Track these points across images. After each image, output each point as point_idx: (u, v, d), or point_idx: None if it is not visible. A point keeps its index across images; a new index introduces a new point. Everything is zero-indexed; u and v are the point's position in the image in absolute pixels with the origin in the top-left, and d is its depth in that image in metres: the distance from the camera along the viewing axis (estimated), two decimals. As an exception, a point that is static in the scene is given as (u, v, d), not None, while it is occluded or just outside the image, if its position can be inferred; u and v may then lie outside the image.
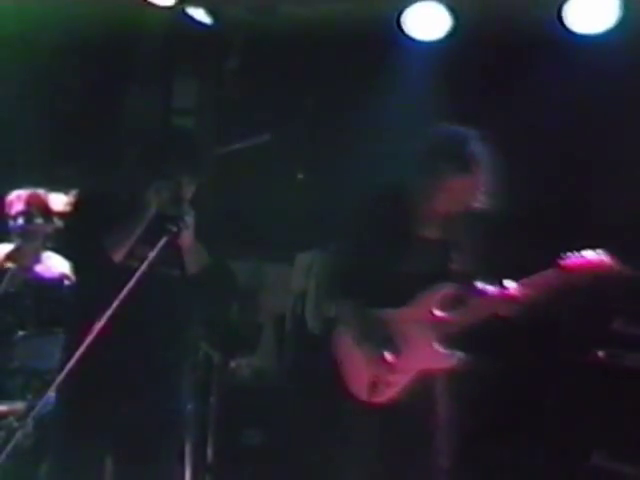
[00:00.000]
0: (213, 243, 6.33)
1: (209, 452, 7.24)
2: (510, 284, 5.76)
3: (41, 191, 7.19)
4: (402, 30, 7.62)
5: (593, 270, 5.75)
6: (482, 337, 5.83)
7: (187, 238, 6.02)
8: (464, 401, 6.06)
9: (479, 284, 5.88)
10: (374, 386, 5.77)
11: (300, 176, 8.79)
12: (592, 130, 7.59)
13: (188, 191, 6.11)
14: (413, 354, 5.81)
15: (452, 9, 7.53)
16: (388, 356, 5.76)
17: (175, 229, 5.70)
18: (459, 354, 5.82)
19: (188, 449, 6.91)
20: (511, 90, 7.57)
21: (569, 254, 5.75)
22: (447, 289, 5.86)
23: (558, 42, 7.18)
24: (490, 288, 5.83)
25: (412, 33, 7.63)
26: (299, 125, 8.28)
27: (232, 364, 7.92)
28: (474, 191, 5.87)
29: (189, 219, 6.04)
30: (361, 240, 5.94)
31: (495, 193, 5.87)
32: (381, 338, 5.80)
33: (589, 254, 5.76)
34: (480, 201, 5.89)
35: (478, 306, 5.82)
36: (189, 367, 6.58)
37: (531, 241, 7.15)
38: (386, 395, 5.80)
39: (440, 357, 5.85)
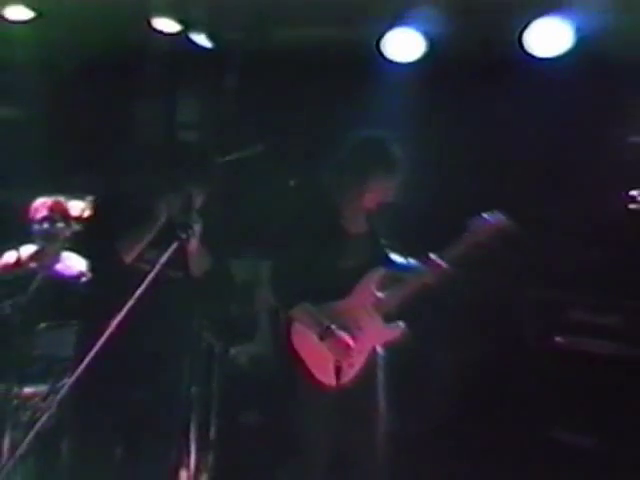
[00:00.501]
0: (216, 248, 6.46)
1: (211, 430, 7.23)
2: (433, 256, 5.96)
3: (61, 199, 7.23)
4: (381, 53, 7.59)
5: (494, 229, 5.98)
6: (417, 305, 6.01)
7: (194, 244, 6.18)
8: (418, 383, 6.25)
9: (405, 261, 6.11)
10: (339, 370, 5.86)
11: (292, 183, 8.77)
12: (547, 136, 7.67)
13: (197, 202, 6.27)
14: (366, 335, 5.95)
15: (426, 34, 7.47)
16: (348, 340, 5.84)
17: (185, 236, 5.81)
18: (401, 325, 6.00)
19: (192, 428, 6.86)
20: (478, 106, 7.62)
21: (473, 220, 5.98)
22: (380, 272, 6.03)
23: (519, 64, 7.19)
24: (415, 262, 6.06)
25: (390, 55, 7.60)
26: (290, 138, 8.33)
27: (231, 352, 7.92)
28: (393, 188, 6.05)
29: (197, 227, 6.19)
30: (299, 245, 6.00)
31: (405, 188, 6.06)
32: (337, 327, 5.85)
33: (489, 216, 5.99)
34: (394, 195, 6.08)
35: (409, 280, 6.02)
36: (193, 355, 6.63)
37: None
38: (349, 376, 5.91)
39: (388, 332, 6.03)
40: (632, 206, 7.49)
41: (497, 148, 7.67)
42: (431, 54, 7.55)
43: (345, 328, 5.88)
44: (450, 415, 6.87)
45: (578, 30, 6.94)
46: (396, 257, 6.13)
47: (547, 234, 7.04)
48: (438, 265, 5.95)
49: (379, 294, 6.04)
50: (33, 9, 7.85)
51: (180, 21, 7.94)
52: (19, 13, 7.88)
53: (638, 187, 7.26)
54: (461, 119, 7.52)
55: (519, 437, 7.31)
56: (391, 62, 7.62)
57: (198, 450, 6.92)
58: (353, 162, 6.09)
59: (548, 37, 7.03)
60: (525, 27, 7.08)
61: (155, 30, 7.95)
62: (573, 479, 7.00)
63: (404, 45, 7.56)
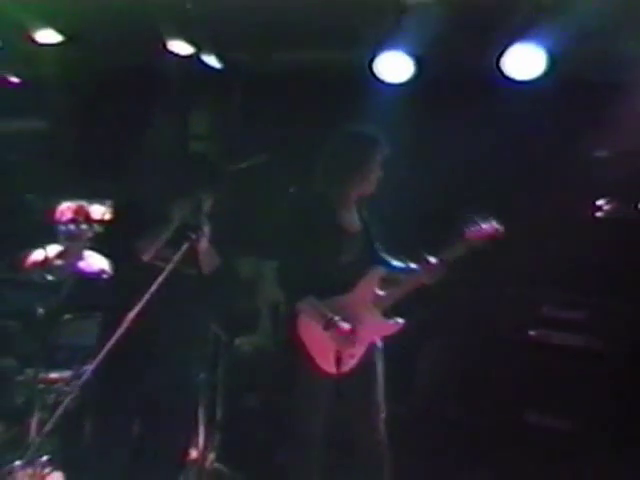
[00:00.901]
0: (224, 248, 6.58)
1: (218, 412, 7.20)
2: (431, 258, 5.97)
3: (84, 203, 7.24)
4: (373, 74, 7.57)
5: (488, 236, 6.02)
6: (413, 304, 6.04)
7: (204, 244, 6.31)
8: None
9: (403, 264, 6.13)
10: (340, 359, 5.88)
11: (292, 190, 8.92)
12: (523, 149, 7.73)
13: (206, 206, 6.38)
14: (366, 328, 5.97)
15: (415, 57, 7.45)
16: (349, 330, 5.85)
17: (195, 237, 5.92)
18: (400, 320, 6.04)
19: (201, 409, 6.91)
20: (461, 123, 7.66)
21: (469, 226, 5.98)
22: (379, 272, 6.07)
23: (498, 85, 7.20)
24: (413, 265, 6.06)
25: (382, 76, 7.58)
26: (290, 148, 8.22)
27: (236, 342, 7.87)
28: (377, 180, 6.11)
29: (206, 228, 6.30)
30: (302, 244, 5.99)
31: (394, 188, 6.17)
32: (339, 319, 5.86)
33: (484, 224, 6.01)
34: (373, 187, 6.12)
35: (406, 280, 6.06)
36: (201, 344, 6.79)
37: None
38: (349, 365, 5.96)
39: (386, 326, 6.07)
40: (598, 214, 7.56)
41: (479, 160, 7.66)
42: (419, 75, 7.53)
43: (347, 321, 5.87)
44: (434, 399, 6.92)
45: (550, 55, 6.92)
46: (389, 255, 6.16)
47: (523, 238, 7.09)
48: (434, 266, 5.97)
49: (379, 292, 6.06)
50: (62, 32, 7.89)
51: (192, 44, 7.95)
52: (49, 36, 7.91)
53: (604, 197, 7.34)
54: (446, 134, 7.57)
55: (496, 419, 7.38)
56: (382, 82, 7.59)
57: (206, 430, 6.95)
58: (340, 156, 6.13)
59: (524, 61, 7.02)
60: (503, 52, 7.05)
61: (170, 52, 7.97)
62: (544, 457, 7.07)
63: (394, 67, 7.53)
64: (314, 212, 6.07)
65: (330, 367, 5.93)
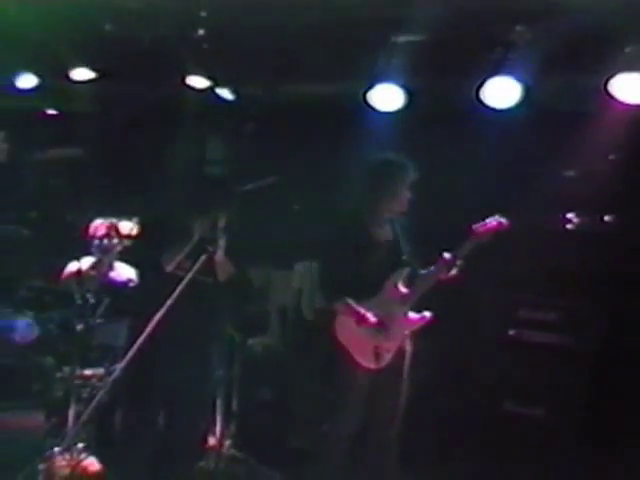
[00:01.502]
0: (238, 259, 6.62)
1: (233, 404, 7.19)
2: (446, 254, 6.03)
3: (114, 220, 7.18)
4: (368, 103, 7.50)
5: (494, 229, 6.09)
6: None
7: (220, 255, 6.36)
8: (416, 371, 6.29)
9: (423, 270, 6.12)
10: (378, 354, 5.94)
11: (296, 207, 8.91)
12: (501, 170, 7.65)
13: (221, 222, 6.45)
14: (398, 324, 6.02)
15: (406, 89, 7.41)
16: (380, 322, 5.91)
17: (212, 249, 6.03)
18: (427, 314, 6.07)
19: (218, 403, 6.94)
20: (446, 146, 7.64)
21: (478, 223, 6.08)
22: (402, 272, 6.10)
23: (478, 113, 7.16)
24: (431, 268, 6.07)
25: (375, 105, 7.51)
26: (296, 171, 8.28)
27: (249, 342, 7.83)
28: (407, 199, 6.17)
29: (222, 242, 6.36)
30: (339, 251, 6.07)
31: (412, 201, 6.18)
32: (372, 315, 5.92)
33: (490, 219, 6.11)
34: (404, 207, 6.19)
35: (427, 277, 6.09)
36: (218, 344, 6.82)
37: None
38: (386, 360, 5.98)
39: (415, 319, 6.08)
40: (568, 226, 7.59)
41: (463, 178, 7.64)
42: (409, 104, 7.50)
43: (379, 318, 5.94)
44: (425, 391, 6.93)
45: (525, 87, 6.89)
46: (413, 258, 6.18)
47: (502, 248, 7.06)
48: (449, 261, 6.01)
49: (404, 290, 6.09)
50: (94, 70, 7.94)
51: (208, 78, 7.98)
52: (83, 74, 7.94)
53: (573, 211, 7.37)
54: (434, 156, 7.51)
55: (479, 408, 7.39)
56: (376, 111, 7.55)
57: (223, 420, 6.97)
58: (372, 178, 6.19)
59: (501, 92, 6.97)
60: (482, 84, 7.00)
61: (188, 86, 8.01)
62: (521, 441, 7.09)
63: (386, 97, 7.48)
64: (350, 227, 6.15)
65: (368, 362, 5.95)
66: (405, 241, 6.20)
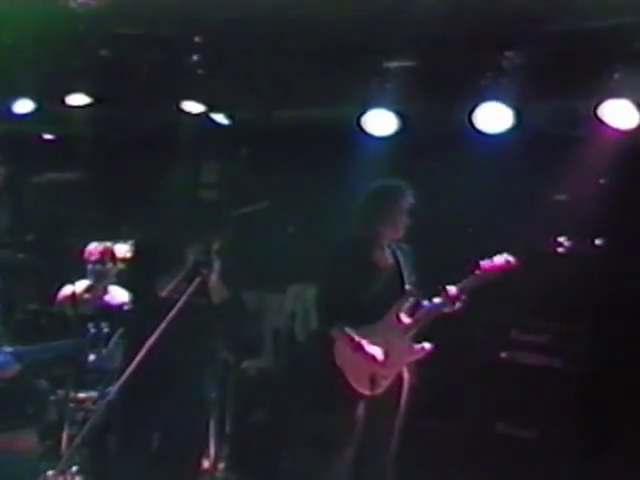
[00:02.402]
0: (231, 282, 6.63)
1: (227, 427, 7.22)
2: (450, 288, 5.97)
3: (109, 244, 7.32)
4: (362, 128, 7.52)
5: (502, 269, 6.05)
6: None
7: (214, 278, 6.37)
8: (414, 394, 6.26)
9: (426, 301, 6.03)
10: (374, 381, 5.85)
11: (290, 230, 8.90)
12: (493, 194, 7.65)
13: (216, 245, 6.45)
14: (397, 353, 5.93)
15: (399, 114, 7.44)
16: (379, 355, 5.85)
17: (206, 272, 6.05)
18: (427, 345, 5.98)
19: (212, 425, 6.98)
20: (439, 170, 7.61)
21: (484, 260, 6.04)
22: (406, 301, 6.00)
23: (469, 138, 7.18)
24: (436, 299, 5.99)
25: (369, 130, 7.53)
26: (289, 195, 8.36)
27: (243, 365, 7.89)
28: (405, 224, 6.13)
29: (216, 265, 6.37)
30: (340, 276, 6.02)
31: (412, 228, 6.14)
32: (369, 343, 5.86)
33: (498, 258, 6.06)
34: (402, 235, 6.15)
35: (430, 309, 6.02)
36: (212, 367, 6.86)
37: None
38: (382, 387, 5.91)
39: (415, 350, 5.99)
40: (559, 249, 7.57)
41: (455, 202, 7.65)
42: (402, 130, 7.53)
43: (378, 345, 5.87)
44: (418, 412, 6.93)
45: (516, 111, 6.92)
46: (416, 287, 6.09)
47: None
48: (453, 295, 5.95)
49: (406, 319, 6.01)
50: (90, 95, 7.96)
51: (203, 103, 8.01)
52: (78, 99, 7.97)
53: (564, 234, 7.36)
54: (427, 180, 7.54)
55: (472, 429, 7.39)
56: (370, 135, 7.58)
57: (216, 442, 7.00)
58: (370, 204, 6.16)
59: (492, 117, 6.98)
60: (474, 109, 7.01)
61: (183, 111, 8.04)
62: (513, 463, 7.05)
63: (380, 122, 7.50)
64: (350, 252, 6.11)
65: (364, 388, 5.88)
66: (407, 269, 6.13)
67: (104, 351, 6.63)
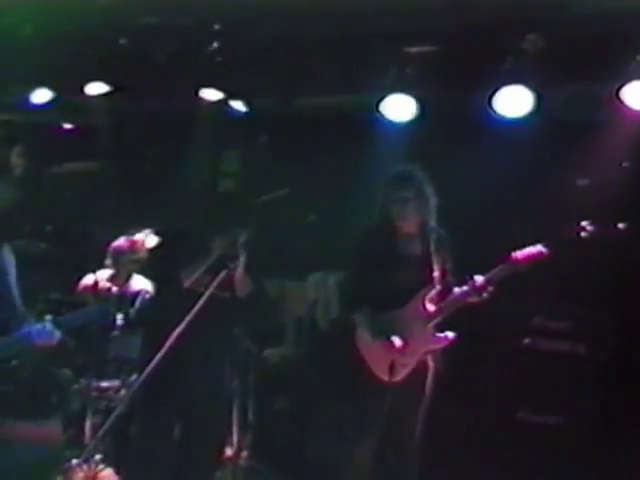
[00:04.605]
0: (256, 274, 6.64)
1: (250, 414, 7.23)
2: (478, 277, 5.85)
3: (134, 235, 7.34)
4: (381, 114, 7.47)
5: (533, 258, 5.89)
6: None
7: (239, 272, 6.39)
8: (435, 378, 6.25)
9: (454, 286, 5.94)
10: (393, 368, 5.75)
11: (311, 217, 8.88)
12: (515, 179, 7.65)
13: (242, 238, 6.45)
14: (418, 340, 5.87)
15: (418, 99, 7.38)
16: (398, 343, 5.78)
17: (232, 266, 6.09)
18: (450, 334, 5.93)
19: (235, 412, 6.95)
20: (460, 156, 7.51)
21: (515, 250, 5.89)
22: (431, 290, 5.95)
23: (490, 122, 7.14)
24: (463, 288, 5.88)
25: (388, 115, 7.47)
26: (310, 182, 8.36)
27: (265, 353, 7.95)
28: (425, 210, 6.04)
29: (242, 258, 6.39)
30: (363, 263, 6.04)
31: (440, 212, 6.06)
32: (389, 332, 5.84)
33: (530, 248, 5.90)
34: (433, 220, 6.06)
35: (456, 298, 5.91)
36: (235, 356, 6.84)
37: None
38: (401, 375, 5.83)
39: (436, 339, 5.93)
40: (583, 234, 7.55)
41: (477, 188, 7.56)
42: (421, 115, 7.47)
43: (399, 333, 5.83)
44: (440, 400, 6.94)
45: (537, 95, 6.89)
46: (446, 276, 6.02)
47: None
48: (480, 286, 5.84)
49: (430, 308, 5.95)
50: (109, 84, 7.98)
51: (222, 91, 7.99)
52: (97, 88, 7.98)
53: (587, 219, 7.34)
54: (447, 167, 7.50)
55: (494, 417, 7.35)
56: (389, 121, 7.54)
57: (239, 430, 6.98)
58: (388, 192, 6.07)
59: (513, 101, 6.94)
60: (494, 93, 6.97)
61: (202, 99, 8.02)
62: (536, 450, 7.05)
63: (399, 107, 7.45)
64: (374, 239, 6.07)
65: (383, 375, 5.82)
66: (440, 256, 6.03)
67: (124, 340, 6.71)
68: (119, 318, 6.14)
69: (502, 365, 7.52)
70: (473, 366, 7.54)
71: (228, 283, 6.15)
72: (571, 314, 7.38)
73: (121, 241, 7.34)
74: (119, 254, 7.31)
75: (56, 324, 5.22)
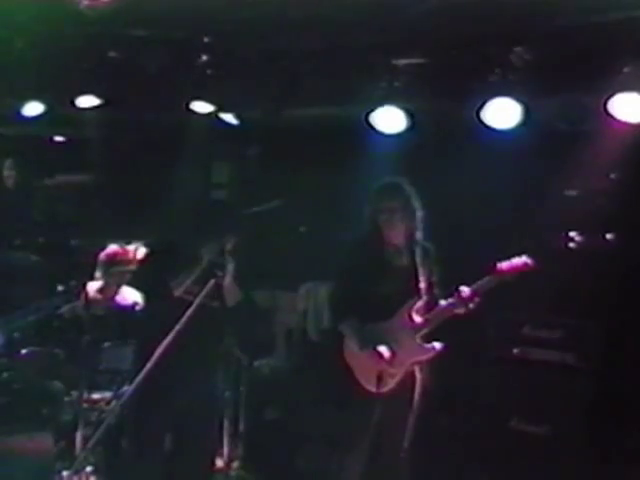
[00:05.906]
0: (245, 283, 6.61)
1: (241, 426, 7.23)
2: (464, 289, 5.87)
3: (123, 245, 7.29)
4: (371, 126, 7.50)
5: (518, 269, 5.92)
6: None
7: (228, 280, 6.37)
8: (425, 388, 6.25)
9: (441, 300, 5.94)
10: (381, 379, 5.77)
11: (302, 229, 8.91)
12: (503, 190, 7.63)
13: (229, 247, 6.41)
14: (405, 351, 5.88)
15: (408, 111, 7.39)
16: (386, 353, 5.78)
17: (221, 274, 6.03)
18: (437, 345, 5.93)
19: (226, 422, 6.97)
20: (448, 166, 7.61)
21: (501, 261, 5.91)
22: (418, 301, 5.95)
23: (479, 134, 7.17)
24: (449, 300, 5.90)
25: (378, 127, 7.50)
26: (300, 194, 8.37)
27: (255, 363, 7.92)
28: (411, 222, 6.03)
29: (230, 267, 6.36)
30: (350, 273, 6.02)
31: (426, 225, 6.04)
32: (377, 343, 5.83)
33: (517, 259, 5.93)
34: (419, 233, 6.04)
35: (443, 310, 5.92)
36: (226, 366, 6.82)
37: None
38: (389, 385, 5.84)
39: (424, 350, 5.94)
40: (571, 244, 7.57)
41: (466, 199, 7.64)
42: (411, 127, 7.49)
43: (387, 344, 5.82)
44: (430, 407, 6.93)
45: (525, 107, 6.90)
46: (433, 288, 6.02)
47: None
48: (467, 297, 5.86)
49: (417, 319, 5.95)
50: (100, 97, 7.96)
51: (212, 103, 7.99)
52: (88, 101, 7.98)
53: (575, 229, 7.35)
54: (437, 178, 7.51)
55: (484, 425, 7.37)
56: (379, 133, 7.56)
57: (230, 442, 6.99)
58: (375, 203, 6.06)
59: (501, 113, 6.95)
60: (483, 105, 6.98)
61: (192, 111, 8.04)
62: (526, 459, 7.04)
63: (389, 119, 7.47)
64: (362, 250, 6.07)
65: (370, 385, 5.84)
66: (425, 268, 6.04)
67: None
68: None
69: (492, 375, 7.51)
70: (464, 375, 7.53)
71: (217, 292, 6.09)
72: (560, 324, 7.36)
73: (111, 252, 7.29)
74: (109, 265, 7.25)
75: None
